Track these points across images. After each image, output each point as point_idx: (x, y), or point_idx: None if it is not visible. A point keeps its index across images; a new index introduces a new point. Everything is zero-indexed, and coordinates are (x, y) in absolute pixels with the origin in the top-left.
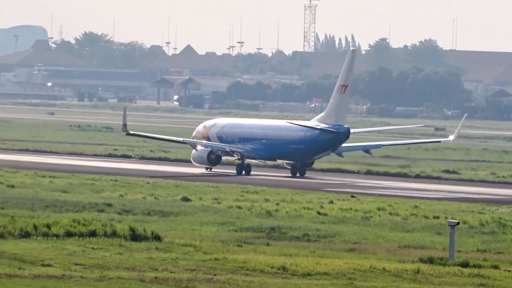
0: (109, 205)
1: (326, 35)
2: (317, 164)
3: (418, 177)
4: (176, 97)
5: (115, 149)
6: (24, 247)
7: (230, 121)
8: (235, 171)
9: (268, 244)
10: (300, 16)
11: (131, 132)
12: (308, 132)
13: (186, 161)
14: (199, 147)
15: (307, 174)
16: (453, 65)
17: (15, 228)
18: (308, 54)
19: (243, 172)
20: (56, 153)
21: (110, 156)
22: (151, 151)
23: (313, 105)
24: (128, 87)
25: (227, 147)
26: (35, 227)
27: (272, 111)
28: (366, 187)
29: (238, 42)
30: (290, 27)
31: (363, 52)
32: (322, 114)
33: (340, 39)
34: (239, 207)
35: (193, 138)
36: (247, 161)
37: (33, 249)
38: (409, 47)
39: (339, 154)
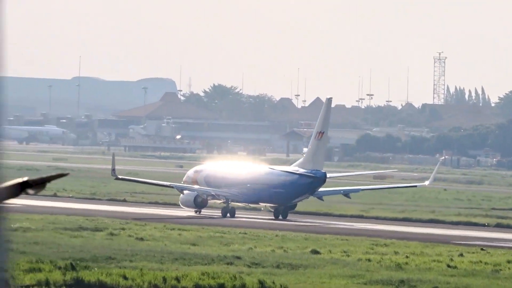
0: (238, 257)
1: (456, 88)
2: (447, 217)
3: None
4: (305, 149)
5: None
6: None
7: (217, 166)
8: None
9: None
10: (429, 68)
11: (120, 176)
12: (288, 176)
13: (315, 214)
14: (186, 191)
15: (289, 216)
16: None
17: (143, 281)
18: (438, 106)
19: (228, 214)
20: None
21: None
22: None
23: (443, 157)
24: (258, 139)
25: (213, 191)
26: (164, 280)
27: (402, 163)
28: (496, 240)
29: (367, 95)
30: (420, 80)
31: (493, 105)
32: (301, 159)
33: (470, 92)
34: (369, 260)
35: (183, 182)
36: (232, 204)
37: None
38: None
39: (320, 198)
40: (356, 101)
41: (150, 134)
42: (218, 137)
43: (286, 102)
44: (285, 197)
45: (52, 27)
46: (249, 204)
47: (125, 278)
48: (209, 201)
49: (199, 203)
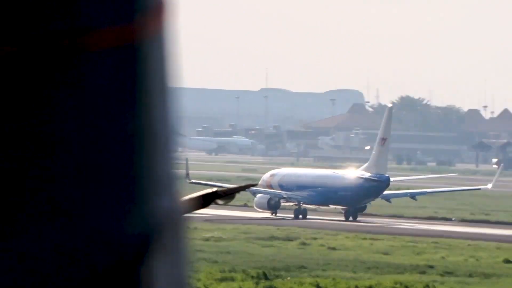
0: (431, 267)
1: None
2: None
3: None
4: (495, 160)
5: (435, 212)
6: None
7: (289, 171)
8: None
9: None
10: None
11: (193, 180)
12: (354, 180)
13: (508, 223)
14: (259, 194)
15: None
16: None
17: None
18: None
19: (300, 216)
20: (376, 215)
21: (430, 218)
22: (472, 214)
23: None
24: (447, 150)
25: (285, 194)
26: None
27: None
28: None
29: None
30: None
31: None
32: (366, 164)
33: None
34: None
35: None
36: (304, 206)
37: None
38: None
39: (388, 200)
40: None
41: (339, 145)
42: (406, 148)
43: (473, 113)
44: (352, 199)
45: (239, 40)
46: (320, 206)
47: (318, 287)
48: (282, 204)
49: (272, 206)
